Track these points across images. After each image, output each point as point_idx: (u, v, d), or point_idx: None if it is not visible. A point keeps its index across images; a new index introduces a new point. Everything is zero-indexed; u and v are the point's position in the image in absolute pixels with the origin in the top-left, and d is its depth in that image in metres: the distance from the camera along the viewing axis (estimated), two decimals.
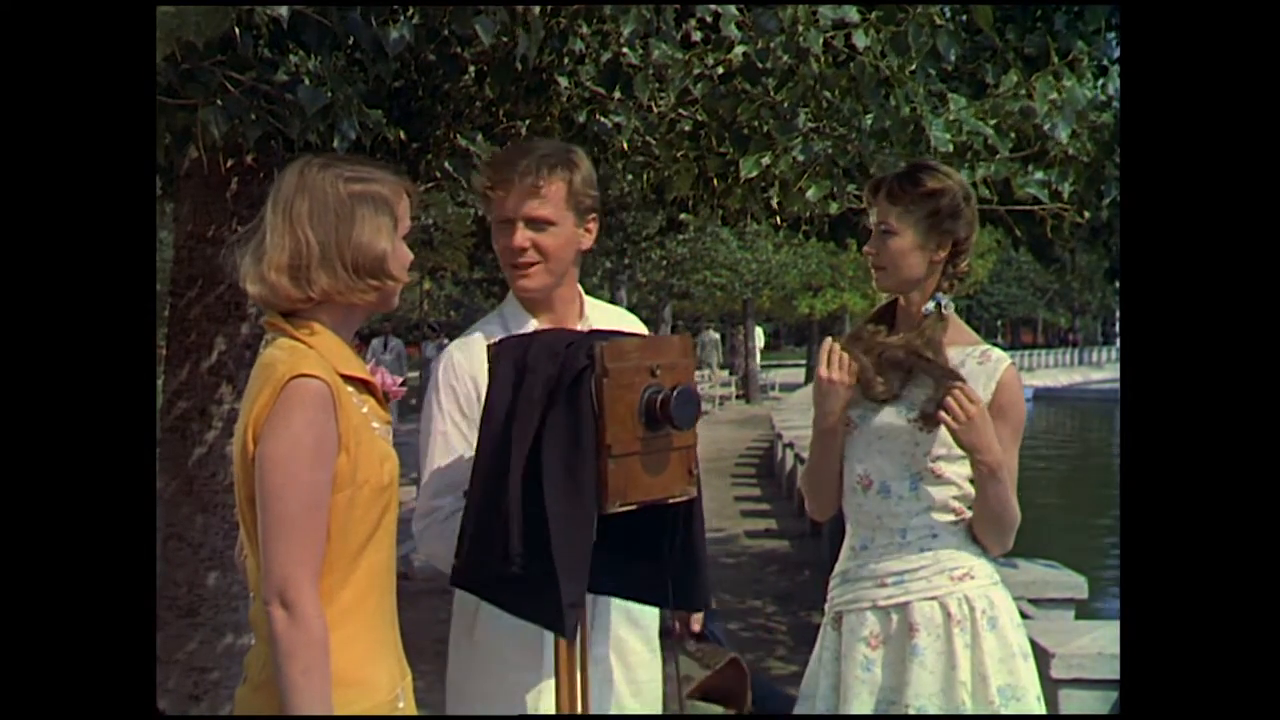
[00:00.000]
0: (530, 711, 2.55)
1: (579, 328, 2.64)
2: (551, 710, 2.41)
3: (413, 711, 2.17)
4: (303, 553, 1.98)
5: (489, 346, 2.34)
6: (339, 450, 2.02)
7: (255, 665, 2.09)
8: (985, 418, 2.57)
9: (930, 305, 2.70)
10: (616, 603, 2.60)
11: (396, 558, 2.18)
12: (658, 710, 2.74)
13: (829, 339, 2.71)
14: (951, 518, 2.67)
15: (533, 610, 2.26)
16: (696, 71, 3.66)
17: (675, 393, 2.20)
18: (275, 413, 1.99)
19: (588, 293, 2.79)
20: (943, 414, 2.56)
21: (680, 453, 2.28)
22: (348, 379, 2.09)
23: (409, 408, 12.94)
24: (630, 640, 2.67)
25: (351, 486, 2.04)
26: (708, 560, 2.43)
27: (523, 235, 2.58)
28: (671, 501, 2.29)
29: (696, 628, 2.83)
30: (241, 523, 2.11)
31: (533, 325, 2.63)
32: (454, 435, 2.59)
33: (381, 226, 2.12)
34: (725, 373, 32.59)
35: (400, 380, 2.25)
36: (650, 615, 2.72)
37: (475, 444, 2.34)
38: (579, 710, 2.32)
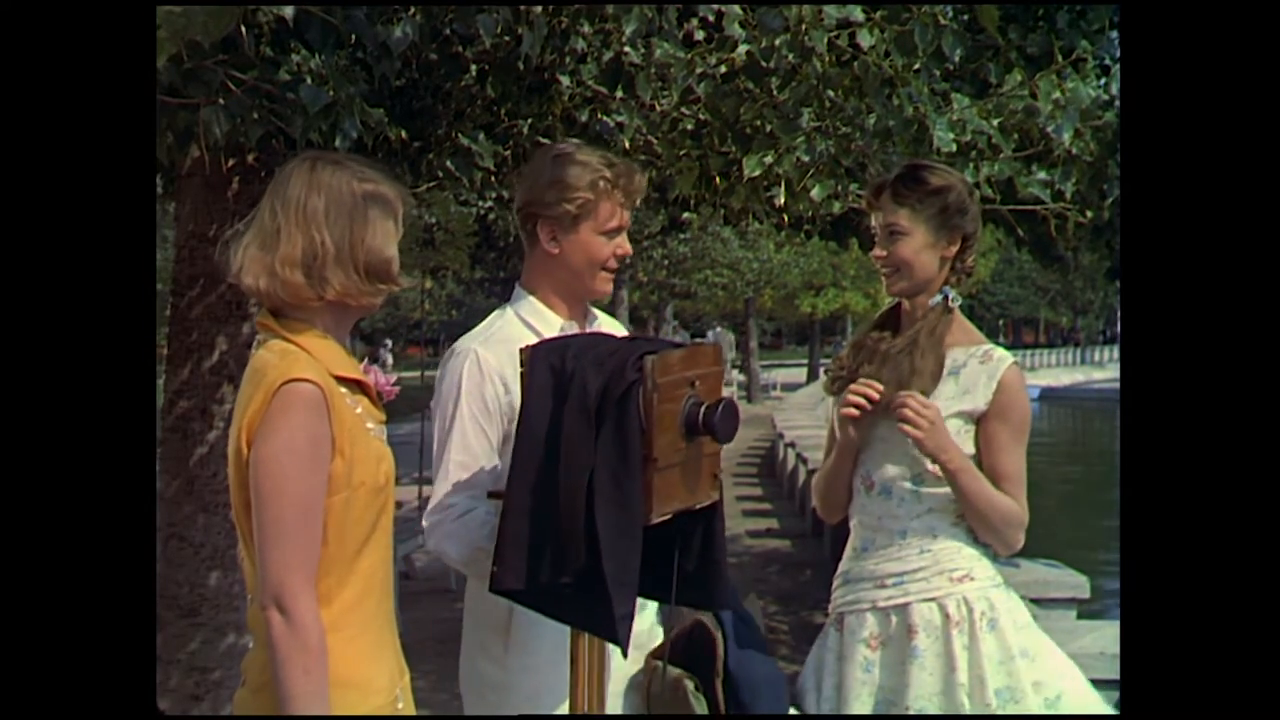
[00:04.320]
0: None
1: (589, 328, 2.70)
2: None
3: (412, 711, 2.17)
4: (297, 557, 1.97)
5: (522, 350, 2.33)
6: (333, 453, 2.02)
7: (254, 668, 2.09)
8: (941, 420, 2.59)
9: (937, 298, 2.70)
10: None
11: (397, 558, 2.18)
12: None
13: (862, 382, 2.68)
14: (952, 519, 2.67)
15: (585, 619, 2.25)
16: (699, 70, 3.65)
17: (720, 407, 2.20)
18: (268, 418, 1.99)
19: None
20: (904, 427, 2.57)
21: (708, 459, 2.30)
22: (341, 380, 2.08)
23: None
24: None
25: (348, 489, 2.04)
26: (726, 561, 2.44)
27: (627, 244, 2.72)
28: (699, 507, 2.30)
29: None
30: (238, 526, 2.11)
31: (559, 323, 2.67)
32: (473, 434, 2.58)
33: (389, 232, 2.12)
34: (737, 372, 32.57)
35: (393, 380, 2.25)
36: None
37: (507, 447, 2.34)
38: (599, 704, 2.33)
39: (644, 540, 2.24)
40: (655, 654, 2.69)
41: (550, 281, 2.68)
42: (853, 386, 2.66)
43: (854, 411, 2.64)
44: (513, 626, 2.64)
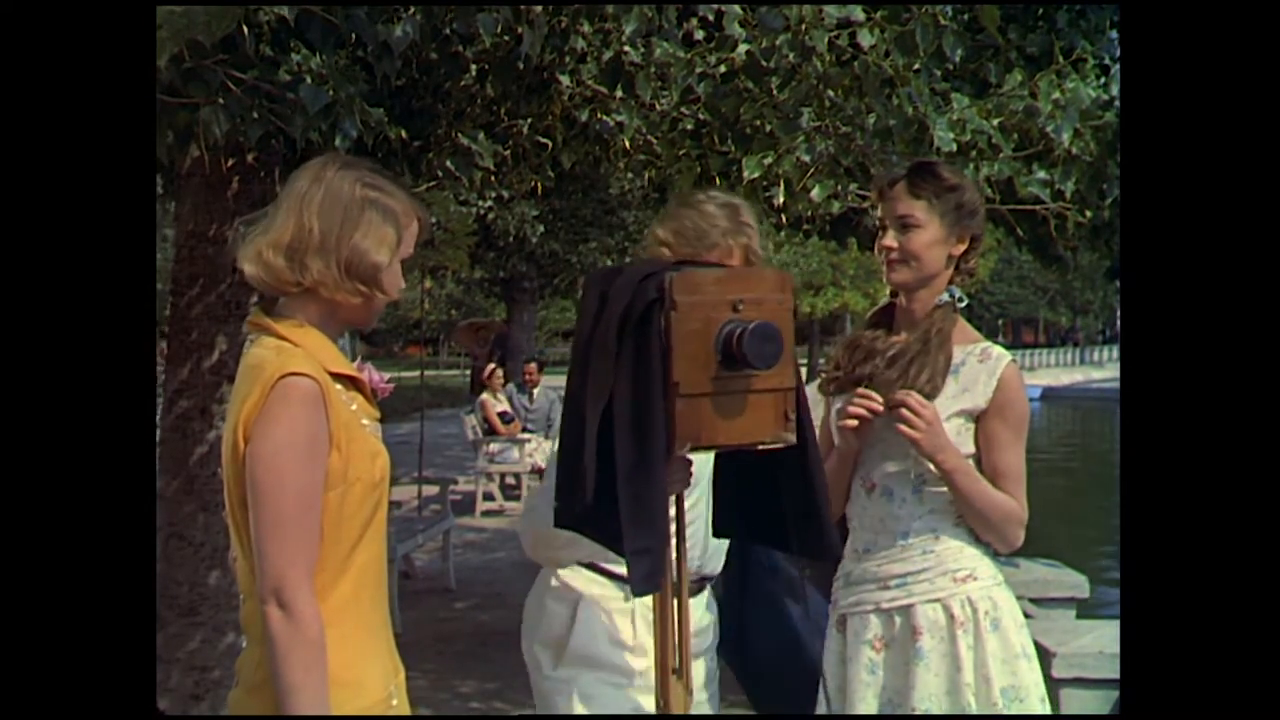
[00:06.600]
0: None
1: None
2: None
3: (406, 709, 2.17)
4: (297, 552, 1.97)
5: (584, 279, 2.31)
6: (330, 448, 2.01)
7: (248, 668, 2.08)
8: (939, 421, 2.59)
9: (944, 296, 2.70)
10: None
11: (397, 557, 2.18)
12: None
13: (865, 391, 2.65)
14: (954, 519, 2.67)
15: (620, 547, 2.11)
16: (699, 70, 3.66)
17: (751, 328, 2.00)
18: (266, 412, 1.98)
19: None
20: (902, 427, 2.57)
21: (772, 395, 2.08)
22: (335, 376, 2.08)
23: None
24: None
25: (343, 484, 2.03)
26: (829, 513, 2.27)
27: None
28: (762, 448, 2.11)
29: None
30: (232, 524, 2.11)
31: None
32: None
33: (385, 238, 2.10)
34: None
35: (387, 378, 2.24)
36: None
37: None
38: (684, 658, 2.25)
39: (734, 481, 2.16)
40: None
41: None
42: (855, 397, 2.64)
43: (853, 424, 2.63)
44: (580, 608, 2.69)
